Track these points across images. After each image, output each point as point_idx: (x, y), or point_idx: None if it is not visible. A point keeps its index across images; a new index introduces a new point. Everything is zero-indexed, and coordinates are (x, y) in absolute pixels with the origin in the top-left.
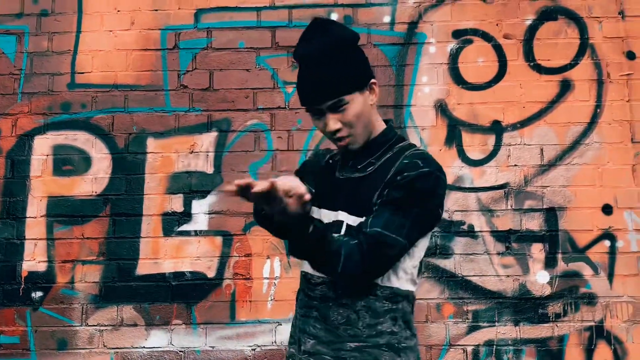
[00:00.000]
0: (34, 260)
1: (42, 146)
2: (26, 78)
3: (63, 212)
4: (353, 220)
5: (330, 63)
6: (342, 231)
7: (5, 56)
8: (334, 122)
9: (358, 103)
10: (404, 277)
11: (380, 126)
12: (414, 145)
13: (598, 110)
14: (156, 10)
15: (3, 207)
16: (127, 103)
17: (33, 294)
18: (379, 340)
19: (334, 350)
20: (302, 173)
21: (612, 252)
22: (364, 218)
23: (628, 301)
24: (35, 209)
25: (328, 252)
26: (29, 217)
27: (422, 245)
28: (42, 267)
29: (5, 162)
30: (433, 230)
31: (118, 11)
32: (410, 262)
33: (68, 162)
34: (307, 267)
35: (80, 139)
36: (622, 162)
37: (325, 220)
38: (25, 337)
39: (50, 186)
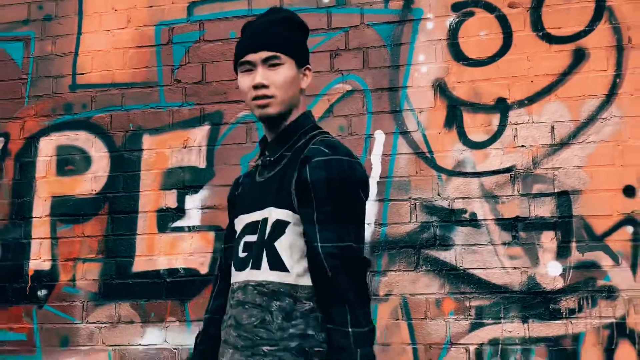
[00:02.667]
0: (39, 259)
1: (47, 147)
2: (32, 82)
3: (65, 211)
4: (281, 214)
5: (279, 24)
6: (268, 228)
7: (14, 62)
8: (262, 76)
9: (291, 71)
10: None
11: (299, 112)
12: (326, 133)
13: (617, 80)
14: (151, 6)
15: (12, 209)
16: (124, 101)
17: (39, 292)
18: (290, 343)
19: (249, 357)
20: (229, 195)
21: (636, 239)
22: (285, 211)
23: None
24: (41, 209)
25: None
26: (35, 217)
27: None
28: (46, 265)
29: (14, 164)
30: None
31: (115, 10)
32: None
33: (70, 162)
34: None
35: (81, 139)
36: None
37: (245, 222)
38: (32, 334)
39: (54, 186)
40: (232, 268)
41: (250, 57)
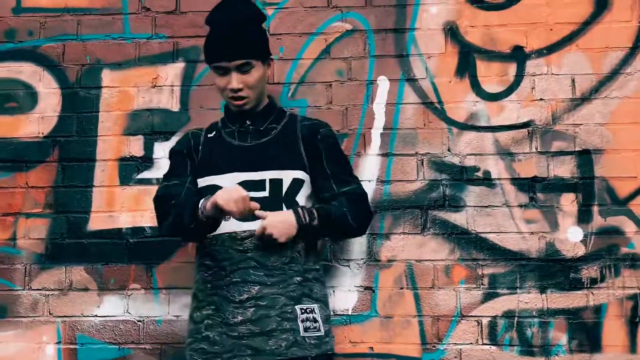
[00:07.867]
0: None
1: None
2: None
3: (5, 156)
4: (297, 174)
5: (245, 29)
6: (285, 186)
7: None
8: (237, 82)
9: (260, 71)
10: None
11: (266, 97)
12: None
13: None
14: None
15: None
16: (80, 29)
17: None
18: (313, 273)
19: (282, 288)
20: (182, 147)
21: None
22: (301, 172)
23: None
24: None
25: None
26: None
27: None
28: None
29: None
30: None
31: None
32: None
33: (12, 98)
34: (228, 227)
35: (26, 72)
36: None
37: (241, 179)
38: None
39: None
40: (231, 218)
41: (225, 64)
